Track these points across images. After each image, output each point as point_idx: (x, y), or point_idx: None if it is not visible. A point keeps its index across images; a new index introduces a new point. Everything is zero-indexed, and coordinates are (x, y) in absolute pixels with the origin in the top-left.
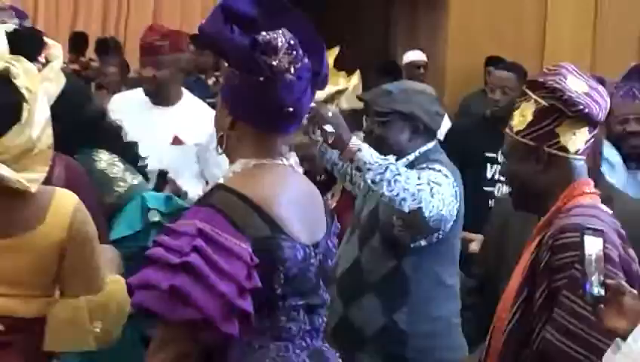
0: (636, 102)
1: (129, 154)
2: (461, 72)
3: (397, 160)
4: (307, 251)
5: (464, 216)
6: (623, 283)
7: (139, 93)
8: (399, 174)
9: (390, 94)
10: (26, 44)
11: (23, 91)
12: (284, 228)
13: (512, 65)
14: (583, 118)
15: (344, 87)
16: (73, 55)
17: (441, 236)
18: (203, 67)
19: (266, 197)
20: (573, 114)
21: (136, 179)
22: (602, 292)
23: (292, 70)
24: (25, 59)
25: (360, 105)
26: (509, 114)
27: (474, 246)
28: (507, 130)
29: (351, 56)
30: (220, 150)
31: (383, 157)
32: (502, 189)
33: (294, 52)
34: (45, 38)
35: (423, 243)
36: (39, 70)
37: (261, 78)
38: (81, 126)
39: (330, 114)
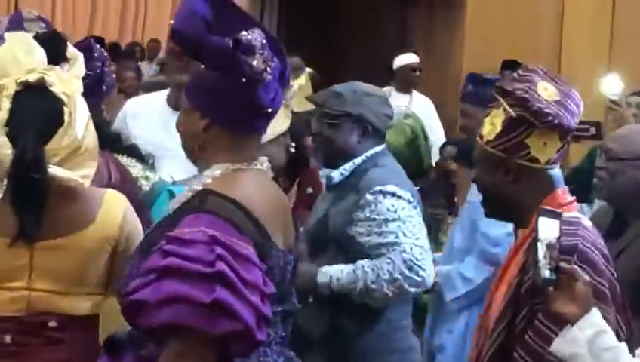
0: None
1: (135, 155)
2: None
3: (345, 162)
4: (285, 258)
5: None
6: (577, 269)
7: (157, 97)
8: (373, 270)
9: (340, 96)
10: (51, 48)
11: (61, 97)
12: (270, 235)
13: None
14: (553, 129)
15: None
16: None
17: None
18: None
19: (252, 202)
20: (543, 125)
21: (156, 176)
22: (554, 276)
23: (268, 70)
24: (55, 67)
25: (312, 106)
26: None
27: None
28: (478, 138)
29: (365, 57)
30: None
31: (347, 271)
32: None
33: (266, 51)
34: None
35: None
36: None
37: (243, 79)
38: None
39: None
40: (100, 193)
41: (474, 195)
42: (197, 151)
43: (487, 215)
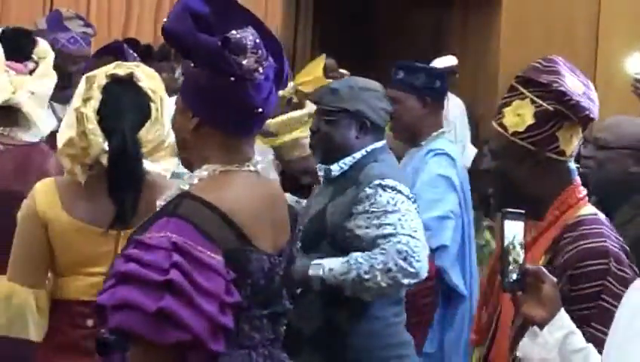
0: None
1: None
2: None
3: (343, 157)
4: (273, 261)
5: None
6: (544, 269)
7: None
8: (367, 260)
9: (336, 92)
10: (17, 43)
11: (149, 92)
12: (252, 240)
13: None
14: (584, 122)
15: None
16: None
17: None
18: None
19: (234, 206)
20: (578, 119)
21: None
22: (518, 279)
23: (260, 70)
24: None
25: None
26: None
27: None
28: (498, 127)
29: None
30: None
31: (341, 261)
32: None
33: (260, 51)
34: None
35: None
36: (33, 68)
37: (232, 79)
38: None
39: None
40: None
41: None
42: (188, 150)
43: (500, 208)
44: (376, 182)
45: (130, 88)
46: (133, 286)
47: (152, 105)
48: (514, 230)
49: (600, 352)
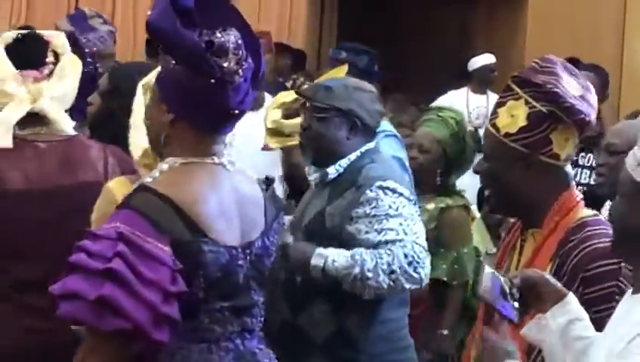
0: None
1: None
2: None
3: (332, 158)
4: (234, 253)
5: None
6: (527, 273)
7: None
8: (372, 258)
9: (330, 90)
10: (28, 51)
11: None
12: (206, 231)
13: (590, 67)
14: (580, 125)
15: None
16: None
17: None
18: (282, 69)
19: (190, 198)
20: (573, 122)
21: None
22: (519, 306)
23: (240, 72)
24: None
25: None
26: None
27: None
28: (491, 128)
29: (426, 56)
30: (156, 149)
31: (346, 255)
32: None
33: (240, 52)
34: (45, 33)
35: None
36: (50, 71)
37: (212, 80)
38: None
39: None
40: None
41: None
42: (160, 143)
43: (494, 211)
44: (377, 184)
45: None
46: (78, 275)
47: None
48: (487, 275)
49: None
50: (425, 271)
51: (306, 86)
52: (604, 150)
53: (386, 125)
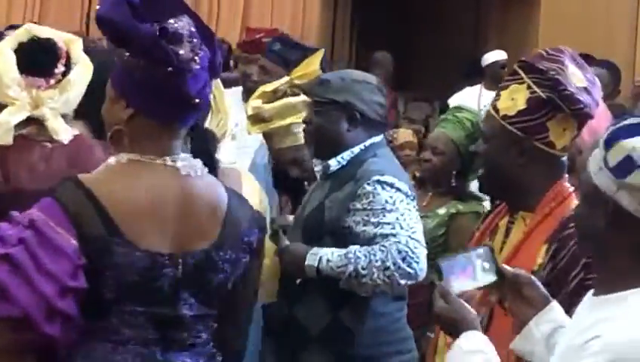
0: None
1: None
2: None
3: (335, 151)
4: (158, 260)
5: None
6: (520, 271)
7: (237, 92)
8: (366, 255)
9: (327, 83)
10: (35, 58)
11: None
12: (124, 232)
13: (603, 62)
14: (577, 116)
15: None
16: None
17: None
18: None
19: (115, 196)
20: (571, 111)
21: None
22: (496, 277)
23: (196, 59)
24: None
25: None
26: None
27: None
28: (491, 110)
29: (439, 53)
30: (114, 145)
31: (339, 254)
32: None
33: (194, 40)
34: (62, 39)
35: None
36: (57, 80)
37: (169, 69)
38: None
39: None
40: None
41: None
42: (120, 139)
43: (485, 192)
44: (375, 178)
45: None
46: None
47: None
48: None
49: None
50: (420, 266)
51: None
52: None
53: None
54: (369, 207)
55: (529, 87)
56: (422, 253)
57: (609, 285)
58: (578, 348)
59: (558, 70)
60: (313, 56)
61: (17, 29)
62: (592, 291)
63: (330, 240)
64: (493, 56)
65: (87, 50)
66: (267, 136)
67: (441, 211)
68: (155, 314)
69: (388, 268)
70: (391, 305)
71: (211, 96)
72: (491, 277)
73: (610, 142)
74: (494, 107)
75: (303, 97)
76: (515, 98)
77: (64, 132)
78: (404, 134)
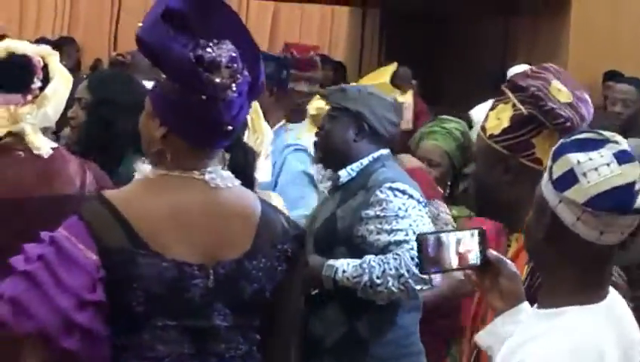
0: None
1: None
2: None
3: (344, 161)
4: (186, 270)
5: None
6: (503, 258)
7: None
8: (380, 264)
9: (345, 91)
10: (10, 74)
11: None
12: (149, 244)
13: (632, 79)
14: (562, 132)
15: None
16: None
17: None
18: (324, 83)
19: (140, 210)
20: (554, 126)
21: None
22: (479, 261)
23: (233, 87)
24: None
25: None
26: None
27: None
28: (480, 131)
29: (468, 67)
30: (151, 160)
31: (354, 264)
32: None
33: (235, 65)
34: (39, 53)
35: None
36: (35, 96)
37: (203, 97)
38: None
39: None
40: None
41: None
42: (154, 154)
43: (479, 213)
44: (387, 185)
45: None
46: (11, 276)
47: (247, 118)
48: None
49: None
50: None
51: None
52: None
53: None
54: (382, 214)
55: (513, 105)
56: None
57: (550, 299)
58: None
59: (541, 87)
60: (385, 68)
61: (48, 41)
62: (536, 304)
63: (343, 250)
64: (518, 69)
65: (91, 81)
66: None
67: None
68: (189, 327)
69: (402, 275)
70: (406, 317)
71: (249, 117)
72: (475, 261)
73: (556, 155)
74: (482, 128)
75: None
76: (500, 117)
77: (43, 146)
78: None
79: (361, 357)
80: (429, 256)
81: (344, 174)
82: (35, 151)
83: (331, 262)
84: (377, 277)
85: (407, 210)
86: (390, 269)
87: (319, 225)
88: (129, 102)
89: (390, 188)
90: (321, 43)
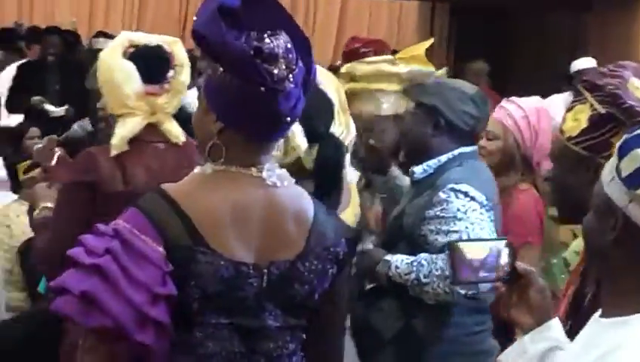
0: None
1: None
2: None
3: (422, 157)
4: (243, 269)
5: None
6: (533, 272)
7: None
8: (428, 264)
9: (423, 86)
10: (149, 65)
11: (328, 93)
12: (208, 241)
13: None
14: None
15: (428, 70)
16: None
17: None
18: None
19: (200, 207)
20: (633, 124)
21: None
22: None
23: (290, 78)
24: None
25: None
26: None
27: None
28: (558, 133)
29: (538, 60)
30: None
31: (407, 261)
32: None
33: (291, 55)
34: (168, 43)
35: None
36: (166, 88)
37: (262, 89)
38: None
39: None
40: None
41: None
42: (209, 149)
43: (561, 218)
44: (450, 186)
45: (317, 92)
46: (72, 269)
47: (334, 110)
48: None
49: None
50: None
51: None
52: None
53: None
54: (441, 215)
55: (591, 106)
56: None
57: (617, 306)
58: None
59: (618, 85)
60: (422, 43)
61: (107, 36)
62: (598, 312)
63: (406, 246)
64: (581, 63)
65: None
66: (350, 99)
67: None
68: (240, 326)
69: (447, 277)
70: (467, 317)
71: (335, 110)
72: (506, 273)
73: (623, 151)
74: (560, 130)
75: (397, 68)
76: (578, 118)
77: (180, 135)
78: None
79: (417, 352)
80: (460, 266)
81: (419, 170)
82: (173, 140)
83: (387, 257)
84: (425, 276)
85: (466, 212)
86: (437, 270)
87: (392, 219)
88: None
89: (452, 189)
90: (389, 37)
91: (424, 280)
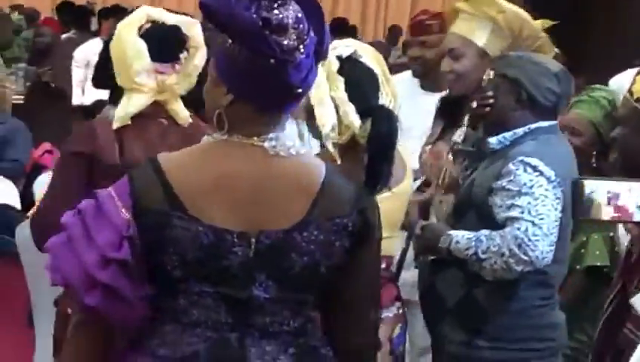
0: None
1: None
2: None
3: (501, 129)
4: (225, 237)
5: None
6: None
7: (407, 75)
8: (487, 240)
9: (506, 58)
10: (162, 44)
11: (374, 69)
12: (187, 208)
13: None
14: None
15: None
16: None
17: None
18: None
19: (184, 174)
20: None
21: None
22: None
23: (301, 48)
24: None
25: None
26: None
27: None
28: (627, 94)
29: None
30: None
31: (467, 236)
32: None
33: (301, 25)
34: (185, 24)
35: None
36: (177, 69)
37: (272, 60)
38: None
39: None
40: None
41: None
42: (219, 120)
43: (624, 175)
44: (520, 158)
45: (359, 66)
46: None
47: (379, 81)
48: None
49: None
50: (536, 254)
51: None
52: None
53: None
54: (507, 187)
55: None
56: (542, 240)
57: None
58: None
59: None
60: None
61: (123, 10)
62: None
63: (474, 216)
64: None
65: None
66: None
67: None
68: (225, 296)
69: (503, 254)
70: (532, 290)
71: (379, 81)
72: (635, 215)
73: None
74: (630, 91)
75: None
76: None
77: (186, 115)
78: None
79: (479, 322)
80: (582, 203)
81: (494, 141)
82: (178, 121)
83: (450, 231)
84: (483, 252)
85: (531, 187)
86: (494, 246)
87: (463, 188)
88: None
89: (522, 162)
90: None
91: (482, 256)
